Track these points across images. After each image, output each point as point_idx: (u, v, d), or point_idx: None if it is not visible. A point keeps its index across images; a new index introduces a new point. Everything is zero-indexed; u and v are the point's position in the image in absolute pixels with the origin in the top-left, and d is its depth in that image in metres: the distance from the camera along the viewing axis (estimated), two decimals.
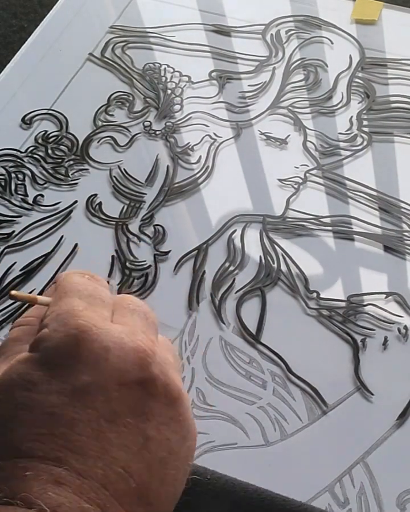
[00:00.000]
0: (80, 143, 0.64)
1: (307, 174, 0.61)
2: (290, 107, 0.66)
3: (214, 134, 0.64)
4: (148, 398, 0.36)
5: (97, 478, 0.34)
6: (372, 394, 0.50)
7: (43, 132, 0.65)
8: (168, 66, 0.69)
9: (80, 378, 0.35)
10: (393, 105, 0.65)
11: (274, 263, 0.57)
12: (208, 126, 0.65)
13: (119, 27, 0.73)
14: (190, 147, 0.64)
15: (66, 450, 0.34)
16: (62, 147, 0.64)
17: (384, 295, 0.54)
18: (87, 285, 0.39)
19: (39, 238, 0.59)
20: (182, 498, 0.37)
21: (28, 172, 0.63)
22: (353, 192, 0.60)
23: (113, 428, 0.35)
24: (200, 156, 0.63)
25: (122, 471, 0.34)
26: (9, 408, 0.35)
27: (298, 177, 0.61)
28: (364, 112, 0.65)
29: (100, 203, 0.61)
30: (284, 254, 0.57)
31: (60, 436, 0.34)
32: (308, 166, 0.62)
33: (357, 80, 0.67)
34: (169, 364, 0.38)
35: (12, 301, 0.56)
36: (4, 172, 0.63)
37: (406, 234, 0.57)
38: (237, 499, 0.43)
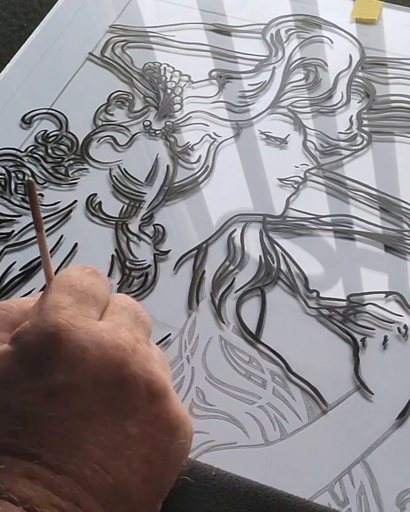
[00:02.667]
0: (80, 142, 0.64)
1: (307, 174, 0.61)
2: (290, 107, 0.66)
3: (214, 133, 0.64)
4: (128, 396, 0.36)
5: (70, 473, 0.33)
6: (372, 393, 0.50)
7: (43, 132, 0.65)
8: (168, 65, 0.69)
9: (56, 377, 0.35)
10: (393, 105, 0.65)
11: (274, 263, 0.57)
12: (208, 126, 0.65)
13: (119, 26, 0.73)
14: (190, 146, 0.64)
15: (38, 446, 0.34)
16: (62, 147, 0.64)
17: (384, 295, 0.54)
18: (84, 280, 0.39)
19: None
20: (187, 495, 0.37)
21: (28, 172, 0.63)
22: (353, 192, 0.60)
23: (89, 426, 0.34)
24: (200, 156, 0.63)
25: (97, 467, 0.34)
26: None
27: (298, 176, 0.61)
28: (364, 111, 0.65)
29: (100, 203, 0.61)
30: (284, 254, 0.57)
31: (34, 433, 0.34)
32: (308, 165, 0.62)
33: (357, 79, 0.67)
34: (153, 360, 0.37)
35: None
36: (4, 171, 0.63)
37: (406, 233, 0.57)
38: (242, 495, 0.43)
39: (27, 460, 0.33)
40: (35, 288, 0.56)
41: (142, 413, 0.36)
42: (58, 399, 0.34)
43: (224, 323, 0.54)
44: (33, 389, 0.35)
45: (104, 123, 0.66)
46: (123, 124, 0.66)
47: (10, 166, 0.63)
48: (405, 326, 0.53)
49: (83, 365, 0.35)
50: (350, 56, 0.69)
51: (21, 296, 0.55)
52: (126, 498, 0.35)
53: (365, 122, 0.64)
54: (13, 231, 0.59)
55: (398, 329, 0.53)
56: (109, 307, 0.39)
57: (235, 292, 0.55)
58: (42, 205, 0.61)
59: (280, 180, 0.61)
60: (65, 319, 0.36)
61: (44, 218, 0.60)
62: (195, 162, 0.63)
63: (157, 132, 0.65)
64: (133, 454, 0.35)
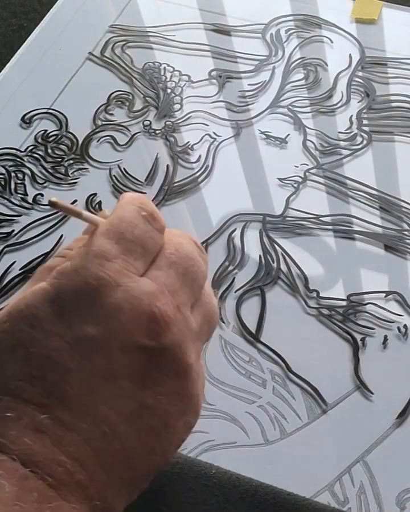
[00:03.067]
0: (80, 142, 0.64)
1: (307, 174, 0.61)
2: (289, 106, 0.66)
3: (214, 133, 0.64)
4: (153, 367, 0.34)
5: (80, 432, 0.32)
6: (372, 393, 0.50)
7: (43, 132, 0.65)
8: (168, 65, 0.69)
9: (85, 329, 0.33)
10: (393, 104, 0.65)
11: (273, 262, 0.57)
12: (207, 125, 0.65)
13: (119, 26, 0.73)
14: (190, 146, 0.64)
15: (53, 398, 0.32)
16: (62, 146, 0.64)
17: (384, 294, 0.54)
18: (136, 227, 0.36)
19: (39, 237, 0.59)
20: (188, 492, 0.37)
21: (27, 171, 0.63)
22: (353, 191, 0.60)
23: (107, 387, 0.33)
24: (200, 155, 0.63)
25: (108, 431, 0.33)
26: (10, 341, 0.33)
27: (297, 176, 0.61)
28: (364, 111, 0.65)
29: (100, 203, 0.61)
30: (284, 253, 0.57)
31: (51, 382, 0.33)
32: (308, 165, 0.62)
33: (357, 79, 0.67)
34: (188, 334, 0.36)
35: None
36: (4, 171, 0.63)
37: (406, 233, 0.57)
38: (242, 493, 0.43)
39: (39, 411, 0.32)
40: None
41: (161, 385, 0.35)
42: (83, 351, 0.33)
43: (224, 323, 0.54)
44: (59, 334, 0.33)
45: (104, 122, 0.66)
46: (123, 124, 0.66)
47: (10, 166, 0.63)
48: (405, 326, 0.53)
49: (114, 324, 0.34)
50: (350, 56, 0.69)
51: None
52: (129, 467, 0.34)
53: (365, 122, 0.64)
54: (13, 230, 0.59)
55: (398, 328, 0.53)
56: (158, 258, 0.37)
57: (235, 292, 0.55)
58: (41, 204, 0.61)
59: (280, 179, 0.61)
60: (108, 274, 0.34)
61: (44, 218, 0.60)
62: (195, 162, 0.63)
63: (157, 132, 0.65)
64: (144, 424, 0.34)
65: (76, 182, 0.62)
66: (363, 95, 0.66)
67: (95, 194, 0.61)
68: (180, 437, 0.37)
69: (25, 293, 0.34)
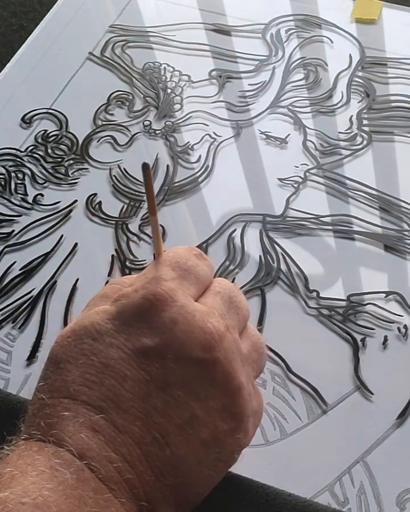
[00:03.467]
0: (80, 142, 0.64)
1: (307, 174, 0.61)
2: (290, 107, 0.66)
3: (214, 133, 0.64)
4: (206, 380, 0.37)
5: (132, 435, 0.35)
6: (372, 393, 0.50)
7: (43, 132, 0.65)
8: (168, 65, 0.69)
9: (142, 340, 0.36)
10: (393, 104, 0.65)
11: (274, 262, 0.57)
12: (208, 125, 0.65)
13: (119, 26, 0.73)
14: (190, 146, 0.64)
15: (109, 401, 0.35)
16: (62, 146, 0.64)
17: (384, 294, 0.54)
18: (189, 259, 0.40)
19: (39, 237, 0.59)
20: None
21: (28, 171, 0.63)
22: (353, 191, 0.60)
23: (161, 395, 0.36)
24: (200, 155, 0.63)
25: (159, 436, 0.35)
26: (73, 351, 0.36)
27: (298, 176, 0.61)
28: (364, 111, 0.65)
29: (100, 203, 0.61)
30: (284, 253, 0.57)
31: (108, 386, 0.35)
32: (308, 165, 0.62)
33: (357, 79, 0.67)
34: (237, 354, 0.38)
35: (11, 301, 0.55)
36: (4, 171, 0.63)
37: (406, 233, 0.57)
38: (242, 494, 0.43)
39: (95, 411, 0.35)
40: (35, 288, 0.56)
41: (212, 399, 0.37)
42: (140, 360, 0.36)
43: None
44: (117, 345, 0.36)
45: (104, 123, 0.66)
46: (123, 124, 0.66)
47: (10, 166, 0.63)
48: (405, 326, 0.53)
49: (170, 335, 0.36)
50: (350, 56, 0.69)
51: (21, 297, 0.56)
52: (179, 472, 0.36)
53: (365, 122, 0.64)
54: (13, 231, 0.59)
55: (398, 329, 0.53)
56: (206, 291, 0.40)
57: None
58: (41, 204, 0.61)
59: (280, 179, 0.61)
60: (164, 290, 0.37)
61: (44, 218, 0.60)
62: (195, 162, 0.63)
63: (157, 132, 0.65)
64: (194, 434, 0.36)
65: (76, 182, 0.62)
66: (363, 95, 0.66)
67: (95, 194, 0.61)
68: (230, 455, 0.39)
69: (89, 312, 0.38)
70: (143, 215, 0.60)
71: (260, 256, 0.57)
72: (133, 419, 0.35)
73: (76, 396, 0.35)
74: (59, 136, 0.65)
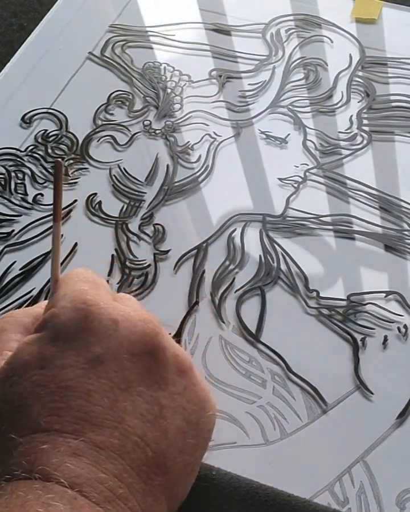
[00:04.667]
0: (80, 142, 0.64)
1: (307, 173, 0.61)
2: (290, 106, 0.66)
3: (214, 133, 0.64)
4: (160, 367, 0.37)
5: (113, 448, 0.34)
6: (372, 393, 0.50)
7: (43, 131, 0.65)
8: (168, 65, 0.69)
9: (92, 349, 0.36)
10: (393, 104, 0.65)
11: (274, 262, 0.57)
12: (208, 125, 0.65)
13: (119, 26, 0.73)
14: (190, 146, 0.64)
15: (83, 422, 0.34)
16: (62, 146, 0.64)
17: (384, 294, 0.54)
18: (90, 275, 0.40)
19: (39, 237, 0.59)
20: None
21: (27, 171, 0.63)
22: (353, 191, 0.60)
23: (127, 397, 0.35)
24: (200, 155, 0.63)
25: (138, 440, 0.35)
26: (25, 387, 0.35)
27: (298, 176, 0.61)
28: (364, 111, 0.65)
29: (100, 203, 0.61)
30: (284, 253, 0.57)
31: (77, 407, 0.34)
32: (308, 165, 0.62)
33: (357, 79, 0.67)
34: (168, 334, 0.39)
35: (11, 301, 0.55)
36: (4, 171, 0.63)
37: (406, 233, 0.57)
38: (242, 494, 0.43)
39: (71, 437, 0.34)
40: (35, 288, 0.56)
41: (172, 384, 0.37)
42: (97, 370, 0.35)
43: (224, 323, 0.54)
44: (71, 364, 0.35)
45: (104, 122, 0.66)
46: (123, 123, 0.66)
47: (10, 166, 0.63)
48: (405, 326, 0.53)
49: (116, 335, 0.36)
50: (350, 56, 0.69)
51: (21, 296, 0.56)
52: (163, 470, 0.36)
53: (365, 122, 0.64)
54: (13, 230, 0.59)
55: (398, 328, 0.53)
56: (117, 299, 0.41)
57: (235, 292, 0.55)
58: (42, 204, 0.61)
59: (280, 179, 0.61)
60: (92, 296, 0.37)
61: (44, 217, 0.60)
62: (195, 162, 0.63)
63: (157, 131, 0.65)
64: (168, 424, 0.36)
65: (76, 182, 0.62)
66: (363, 95, 0.66)
67: (95, 194, 0.61)
68: (206, 434, 0.39)
69: (19, 347, 0.37)
70: (143, 215, 0.60)
71: (260, 256, 0.57)
72: (110, 431, 0.34)
73: (48, 428, 0.34)
74: (59, 136, 0.65)
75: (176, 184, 0.61)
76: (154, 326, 0.37)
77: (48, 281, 0.56)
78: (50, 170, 0.62)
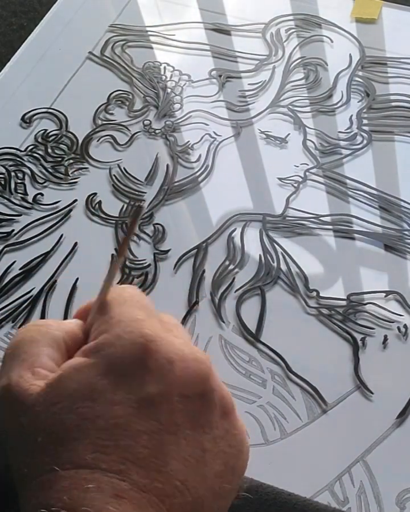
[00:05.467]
0: (80, 141, 0.64)
1: (307, 173, 0.61)
2: (290, 106, 0.66)
3: (214, 133, 0.64)
4: (206, 410, 0.35)
5: (155, 491, 0.33)
6: (372, 393, 0.50)
7: (43, 131, 0.65)
8: (168, 64, 0.69)
9: (146, 388, 0.34)
10: (393, 104, 0.65)
11: (274, 262, 0.57)
12: (207, 125, 0.65)
13: (119, 26, 0.73)
14: (190, 145, 0.64)
15: (129, 463, 0.33)
16: (62, 146, 0.64)
17: (384, 294, 0.54)
18: (143, 299, 0.39)
19: (39, 237, 0.59)
20: None
21: (27, 171, 0.63)
22: (353, 191, 0.60)
23: (174, 440, 0.34)
24: (200, 155, 0.63)
25: (180, 484, 0.34)
26: (72, 418, 0.34)
27: (297, 176, 0.61)
28: (364, 111, 0.65)
29: (100, 202, 0.61)
30: (284, 253, 0.57)
31: (124, 447, 0.33)
32: (308, 165, 0.62)
33: (357, 79, 0.67)
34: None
35: (11, 300, 0.55)
36: (3, 170, 0.63)
37: (406, 233, 0.57)
38: (242, 494, 0.43)
39: (116, 477, 0.32)
40: (35, 287, 0.56)
41: (216, 428, 0.36)
42: (149, 411, 0.34)
43: (224, 322, 0.54)
44: (122, 401, 0.34)
45: (104, 122, 0.66)
46: (123, 123, 0.65)
47: (10, 166, 0.63)
48: (405, 326, 0.53)
49: (171, 375, 0.35)
50: (350, 55, 0.69)
51: (21, 296, 0.56)
52: None
53: (365, 121, 0.64)
54: (13, 230, 0.59)
55: (398, 328, 0.53)
56: (164, 325, 0.39)
57: (235, 292, 0.55)
58: (42, 204, 0.61)
59: (280, 179, 0.61)
60: (151, 329, 0.35)
61: (44, 217, 0.60)
62: (195, 162, 0.63)
63: (157, 131, 0.65)
64: (209, 469, 0.35)
65: (76, 182, 0.62)
66: (363, 95, 0.66)
67: (95, 193, 0.61)
68: (240, 477, 0.37)
69: (66, 372, 0.35)
70: (143, 214, 0.60)
71: (260, 255, 0.57)
72: (154, 474, 0.33)
73: (94, 465, 0.33)
74: (59, 136, 0.65)
75: (176, 184, 0.61)
76: (206, 367, 0.36)
77: (48, 281, 0.56)
78: (50, 170, 0.62)
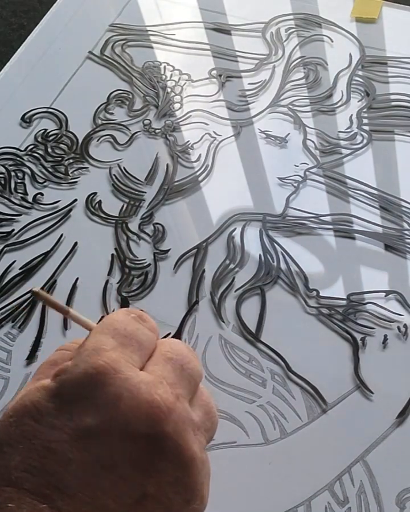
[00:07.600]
0: (80, 141, 0.64)
1: (307, 173, 0.61)
2: (290, 106, 0.66)
3: (214, 132, 0.64)
4: (155, 455, 0.35)
5: None
6: (372, 393, 0.50)
7: (43, 131, 0.65)
8: (168, 64, 0.69)
9: (85, 419, 0.34)
10: (393, 103, 0.65)
11: (273, 262, 0.57)
12: (207, 124, 0.65)
13: (119, 25, 0.73)
14: (190, 145, 0.64)
15: (54, 489, 0.33)
16: (62, 146, 0.64)
17: (384, 294, 0.54)
18: (128, 324, 0.38)
19: (39, 237, 0.59)
20: None
21: (27, 171, 0.63)
22: (353, 191, 0.60)
23: (108, 476, 0.34)
24: (200, 155, 0.63)
25: None
26: (15, 434, 0.34)
27: (298, 175, 0.61)
28: (364, 110, 0.65)
29: (100, 202, 0.61)
30: (284, 252, 0.57)
31: (52, 472, 0.33)
32: (308, 164, 0.62)
33: (357, 78, 0.67)
34: (189, 424, 0.36)
35: (11, 300, 0.55)
36: (3, 170, 0.63)
37: (406, 232, 0.57)
38: None
39: (39, 501, 0.32)
40: (34, 288, 0.56)
41: (165, 474, 0.35)
42: (84, 441, 0.34)
43: (224, 322, 0.54)
44: (60, 427, 0.34)
45: (104, 122, 0.66)
46: (123, 123, 0.65)
47: (10, 165, 0.63)
48: (405, 326, 0.53)
49: (114, 412, 0.34)
50: (350, 55, 0.69)
51: (21, 296, 0.56)
52: None
53: (365, 121, 0.64)
54: (13, 230, 0.59)
55: (398, 328, 0.53)
56: (154, 356, 0.38)
57: (235, 291, 0.55)
58: (42, 204, 0.61)
59: (280, 179, 0.61)
60: (106, 362, 0.35)
61: (44, 217, 0.60)
62: (195, 161, 0.63)
63: (157, 131, 0.65)
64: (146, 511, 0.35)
65: (75, 182, 0.62)
66: (363, 95, 0.66)
67: (95, 193, 0.61)
68: None
69: (30, 389, 0.36)
70: (143, 214, 0.60)
71: (260, 255, 0.57)
72: (80, 505, 0.33)
73: (19, 484, 0.32)
74: (59, 135, 0.65)
75: (176, 183, 0.61)
76: (159, 411, 0.35)
77: (48, 280, 0.56)
78: (50, 169, 0.62)
